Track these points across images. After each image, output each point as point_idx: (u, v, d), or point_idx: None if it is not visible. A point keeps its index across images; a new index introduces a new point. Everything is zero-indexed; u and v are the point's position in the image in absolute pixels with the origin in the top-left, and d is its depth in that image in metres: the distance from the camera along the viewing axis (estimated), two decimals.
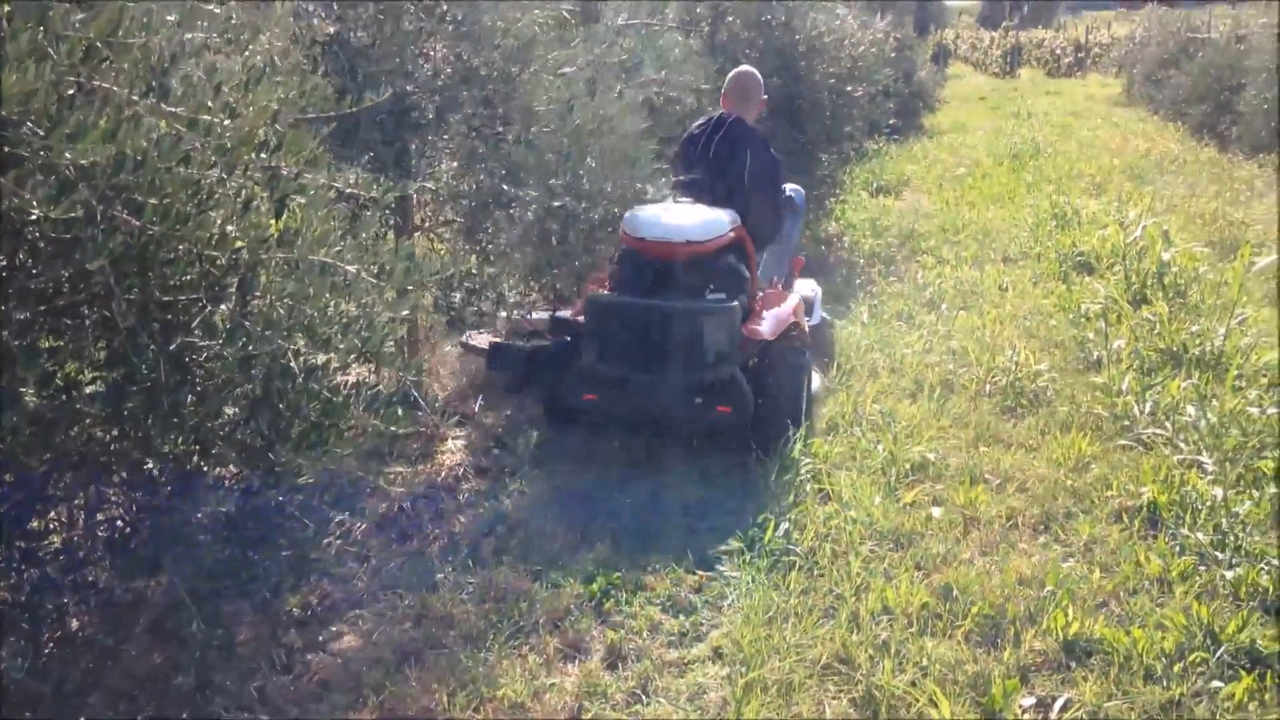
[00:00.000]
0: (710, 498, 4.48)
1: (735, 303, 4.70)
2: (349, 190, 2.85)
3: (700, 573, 3.89)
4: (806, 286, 5.92)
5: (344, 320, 2.77)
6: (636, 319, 4.65)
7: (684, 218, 4.88)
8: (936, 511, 4.32)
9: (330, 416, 2.76)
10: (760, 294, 5.12)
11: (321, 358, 2.78)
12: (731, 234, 4.89)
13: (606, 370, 4.64)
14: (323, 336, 2.71)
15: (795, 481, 4.50)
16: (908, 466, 4.69)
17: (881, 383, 5.70)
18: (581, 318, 4.78)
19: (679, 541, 4.09)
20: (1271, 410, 4.93)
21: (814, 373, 5.27)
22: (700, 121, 5.56)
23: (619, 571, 3.81)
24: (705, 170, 5.26)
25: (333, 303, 2.77)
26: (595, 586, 3.72)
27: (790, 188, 5.90)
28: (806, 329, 5.29)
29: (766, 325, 4.80)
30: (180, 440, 2.65)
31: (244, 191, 2.65)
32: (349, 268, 2.73)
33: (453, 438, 4.98)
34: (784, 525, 4.12)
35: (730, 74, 5.78)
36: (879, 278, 7.89)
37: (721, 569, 3.91)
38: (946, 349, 6.21)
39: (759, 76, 5.73)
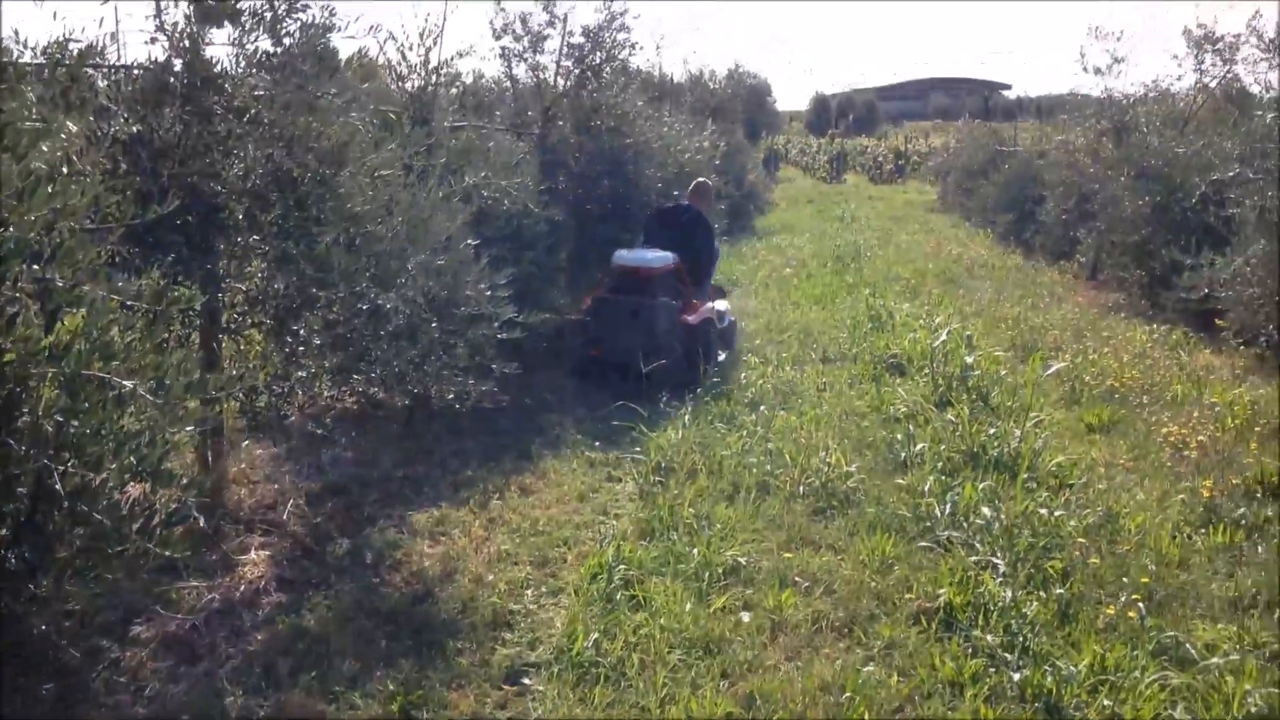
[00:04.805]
0: (518, 610, 4.42)
1: (676, 302, 8.20)
2: (130, 302, 2.75)
3: (506, 687, 3.82)
4: (722, 304, 9.28)
5: (119, 437, 2.66)
6: (622, 309, 8.03)
7: (648, 255, 8.48)
8: (746, 616, 4.37)
9: (101, 541, 2.63)
10: (693, 303, 8.45)
11: (95, 478, 2.65)
12: (673, 265, 8.44)
13: (605, 335, 8.01)
14: (94, 455, 2.59)
15: (607, 589, 4.51)
16: (720, 570, 4.74)
17: (700, 484, 5.78)
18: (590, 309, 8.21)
19: (486, 654, 4.01)
20: (1059, 512, 5.20)
21: (720, 350, 8.78)
22: (670, 204, 9.57)
23: (421, 689, 3.70)
24: (675, 233, 8.85)
25: (108, 419, 2.66)
26: (396, 707, 3.60)
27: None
28: (719, 324, 8.80)
29: (692, 318, 8.24)
30: None
31: (13, 304, 2.53)
32: (126, 382, 2.63)
33: (257, 548, 4.79)
34: (594, 635, 4.10)
35: (693, 184, 9.82)
36: (703, 377, 8.05)
37: (528, 682, 3.85)
38: (765, 450, 6.33)
39: (710, 186, 9.94)
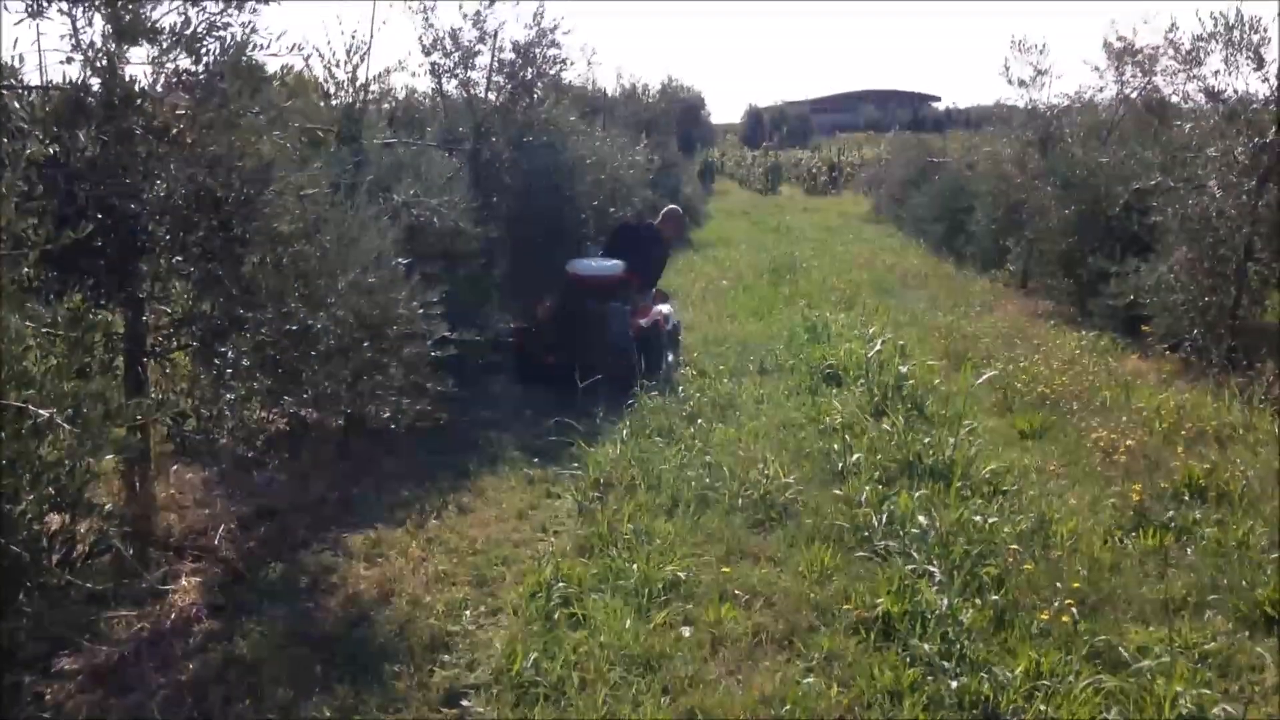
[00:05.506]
0: (456, 631, 4.36)
1: (628, 307, 8.62)
2: (45, 330, 2.68)
3: (444, 710, 3.77)
4: (666, 307, 9.54)
5: (37, 468, 2.58)
6: (577, 314, 8.47)
7: (601, 264, 9.15)
8: (686, 631, 4.35)
9: (20, 574, 2.55)
10: (641, 306, 8.92)
11: (13, 509, 2.56)
12: (624, 274, 8.94)
13: (560, 341, 8.33)
14: (10, 487, 2.51)
15: (547, 607, 4.47)
16: (660, 586, 4.72)
17: (639, 499, 5.76)
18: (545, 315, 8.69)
19: (424, 677, 3.96)
20: (993, 518, 5.26)
21: (670, 352, 9.15)
22: (635, 219, 11.03)
23: (358, 714, 3.64)
24: (633, 245, 9.52)
25: (25, 449, 2.58)
26: None
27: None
28: (666, 326, 9.11)
29: (643, 321, 8.67)
30: None
31: None
32: (43, 411, 2.56)
33: (187, 574, 4.69)
34: (533, 654, 4.06)
35: (666, 209, 10.67)
36: (641, 392, 8.03)
37: (467, 704, 3.80)
38: (703, 463, 6.33)
39: (681, 215, 11.32)
